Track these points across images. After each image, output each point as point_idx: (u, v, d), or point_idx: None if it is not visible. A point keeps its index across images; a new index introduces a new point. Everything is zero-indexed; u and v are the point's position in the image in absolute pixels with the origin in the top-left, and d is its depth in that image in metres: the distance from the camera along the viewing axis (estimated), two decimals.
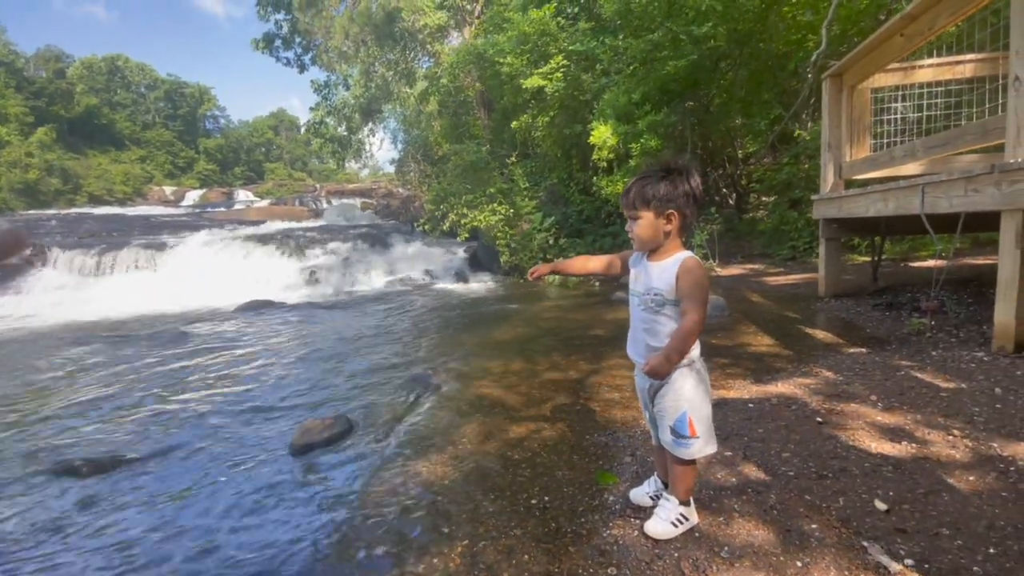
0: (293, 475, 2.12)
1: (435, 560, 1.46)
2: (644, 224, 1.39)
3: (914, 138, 4.05)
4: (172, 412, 3.00)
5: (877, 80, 4.30)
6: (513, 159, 10.24)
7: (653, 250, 1.43)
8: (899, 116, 4.38)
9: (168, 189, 41.70)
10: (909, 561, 1.27)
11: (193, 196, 37.43)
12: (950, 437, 1.88)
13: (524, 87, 8.56)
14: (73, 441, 2.64)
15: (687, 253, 1.39)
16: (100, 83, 50.82)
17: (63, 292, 8.93)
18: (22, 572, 1.60)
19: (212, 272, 9.49)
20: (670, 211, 1.36)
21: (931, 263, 5.80)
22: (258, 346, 4.69)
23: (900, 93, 4.36)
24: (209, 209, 24.66)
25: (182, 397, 3.28)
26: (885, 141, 4.39)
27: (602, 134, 7.56)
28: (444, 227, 10.16)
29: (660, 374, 1.33)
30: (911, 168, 3.96)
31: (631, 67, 7.80)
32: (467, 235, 9.76)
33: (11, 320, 7.33)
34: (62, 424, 2.90)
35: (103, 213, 20.05)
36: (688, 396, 1.40)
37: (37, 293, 9.00)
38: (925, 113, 4.20)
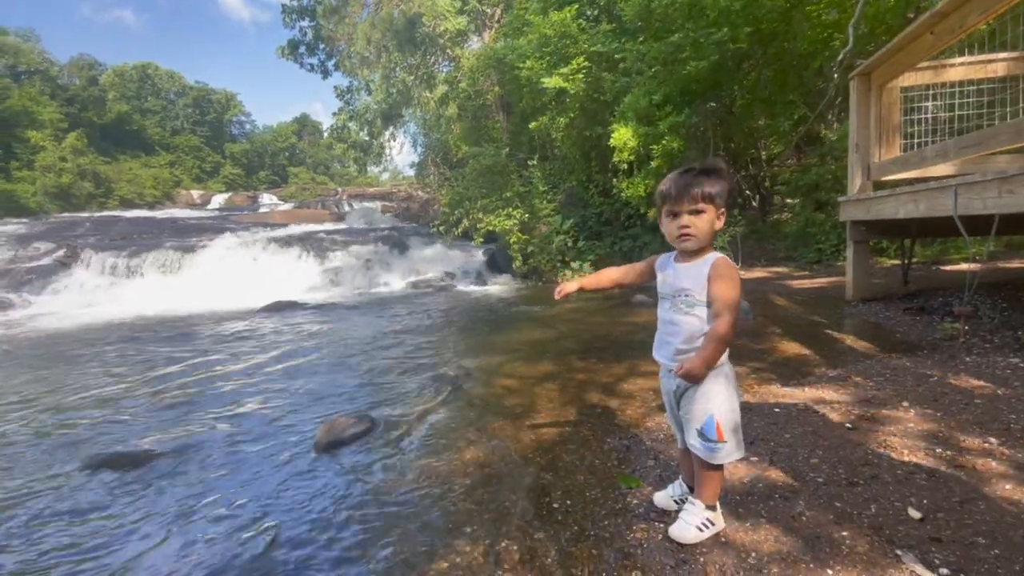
0: (318, 472, 2.16)
1: (458, 559, 1.47)
2: (707, 219, 1.34)
3: (945, 138, 3.94)
4: (200, 409, 3.08)
5: (906, 79, 4.20)
6: (533, 162, 10.27)
7: (684, 252, 1.42)
8: (930, 116, 4.27)
9: (195, 193, 42.77)
10: (944, 571, 1.23)
11: (219, 200, 38.36)
12: (986, 445, 1.82)
13: (545, 86, 8.57)
14: (107, 435, 2.72)
15: (719, 254, 1.38)
16: (131, 90, 52.42)
17: (96, 292, 9.24)
18: (62, 563, 1.66)
19: (238, 273, 9.72)
20: (723, 209, 1.36)
21: (964, 266, 5.62)
22: (283, 346, 4.79)
23: (931, 92, 4.26)
24: (235, 212, 25.24)
25: (209, 394, 3.36)
26: (916, 141, 4.28)
27: (623, 136, 7.52)
28: (457, 232, 10.26)
29: (696, 378, 1.31)
30: (942, 169, 3.86)
31: (652, 68, 7.76)
32: (482, 239, 9.85)
33: (46, 318, 7.61)
34: (96, 418, 3.00)
35: (134, 216, 20.67)
36: (716, 400, 1.38)
37: (72, 292, 9.33)
38: (957, 112, 4.09)
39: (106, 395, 3.49)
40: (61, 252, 10.82)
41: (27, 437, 2.78)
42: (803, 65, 7.76)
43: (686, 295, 1.38)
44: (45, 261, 10.61)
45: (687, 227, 1.35)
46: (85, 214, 23.45)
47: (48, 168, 34.78)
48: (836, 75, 6.78)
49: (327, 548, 1.61)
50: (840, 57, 6.46)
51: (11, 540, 1.81)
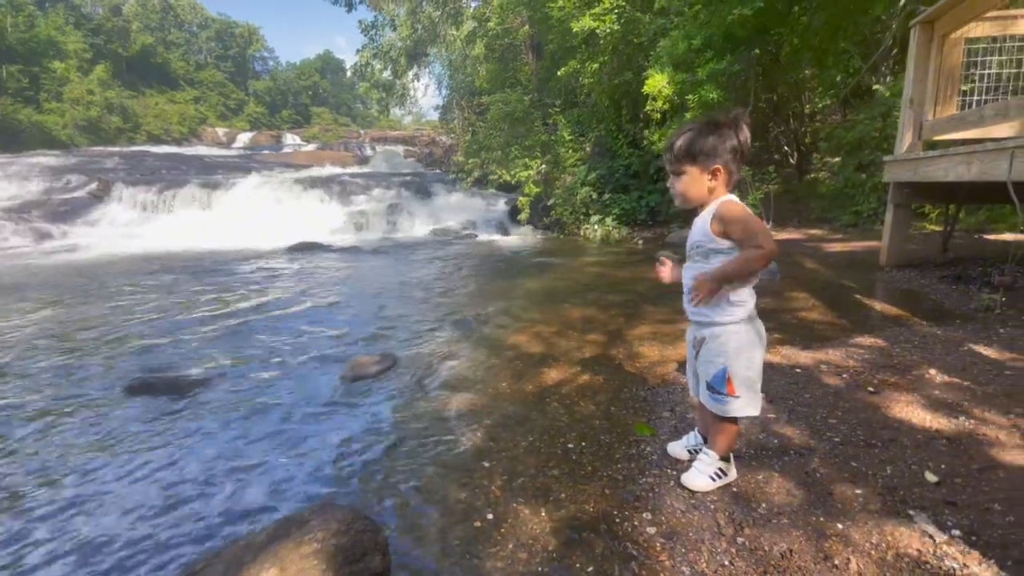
0: (345, 404, 2.25)
1: (476, 491, 1.54)
2: (688, 180, 1.34)
3: (1008, 96, 3.66)
4: (232, 341, 3.20)
5: (973, 30, 3.85)
6: (558, 108, 9.89)
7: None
8: (992, 71, 3.94)
9: (221, 131, 42.87)
10: (956, 532, 1.25)
11: (244, 138, 38.45)
12: (1011, 416, 1.79)
13: (574, 30, 8.10)
14: (144, 362, 2.87)
15: (722, 198, 1.33)
16: (154, 21, 51.57)
17: (129, 226, 9.49)
18: (103, 480, 1.79)
19: (265, 213, 9.84)
20: (716, 166, 1.30)
21: (1009, 236, 5.36)
22: (310, 285, 4.89)
23: (997, 45, 3.91)
24: (259, 152, 25.25)
25: (241, 328, 3.49)
26: (974, 99, 3.98)
27: (657, 83, 7.14)
28: (468, 182, 10.33)
29: (702, 289, 1.31)
30: (1002, 130, 3.60)
31: (693, 8, 7.24)
32: (495, 188, 9.91)
33: (82, 250, 7.88)
34: (132, 346, 3.16)
35: (162, 152, 20.84)
36: (731, 352, 1.38)
37: (105, 225, 9.60)
38: (1023, 69, 3.76)
39: (143, 325, 3.64)
40: (94, 185, 11.04)
41: (70, 360, 2.94)
42: (861, 10, 7.15)
43: (698, 246, 1.39)
44: (79, 194, 10.87)
45: (670, 188, 1.39)
46: (115, 148, 23.71)
47: (76, 101, 34.95)
48: (896, 23, 6.26)
49: (350, 469, 1.70)
50: (902, 2, 5.94)
51: (52, 461, 1.95)
